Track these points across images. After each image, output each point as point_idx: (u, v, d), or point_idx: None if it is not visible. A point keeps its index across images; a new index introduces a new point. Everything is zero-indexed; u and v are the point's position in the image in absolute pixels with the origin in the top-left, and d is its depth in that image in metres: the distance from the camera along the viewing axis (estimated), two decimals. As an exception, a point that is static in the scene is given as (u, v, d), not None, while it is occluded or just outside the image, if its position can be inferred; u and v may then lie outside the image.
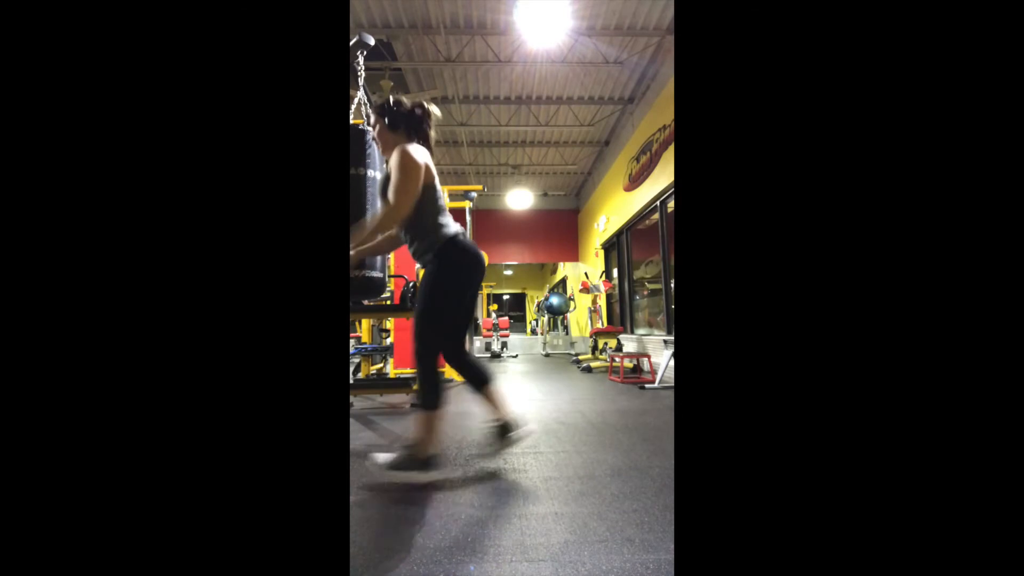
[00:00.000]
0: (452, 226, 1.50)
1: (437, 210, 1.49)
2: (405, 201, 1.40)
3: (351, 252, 1.45)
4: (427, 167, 1.45)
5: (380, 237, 1.49)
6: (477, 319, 8.26)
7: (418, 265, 1.56)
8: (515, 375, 5.09)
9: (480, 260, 1.52)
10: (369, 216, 2.01)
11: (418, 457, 1.43)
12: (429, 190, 1.47)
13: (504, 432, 1.60)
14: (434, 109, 1.56)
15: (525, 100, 5.85)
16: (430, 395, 1.43)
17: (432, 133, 1.56)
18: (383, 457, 1.45)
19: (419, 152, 1.44)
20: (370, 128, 1.58)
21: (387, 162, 1.49)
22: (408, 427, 2.27)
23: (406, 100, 1.55)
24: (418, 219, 1.47)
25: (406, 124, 1.52)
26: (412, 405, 2.93)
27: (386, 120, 1.53)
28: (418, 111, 1.54)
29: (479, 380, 1.58)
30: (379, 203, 1.54)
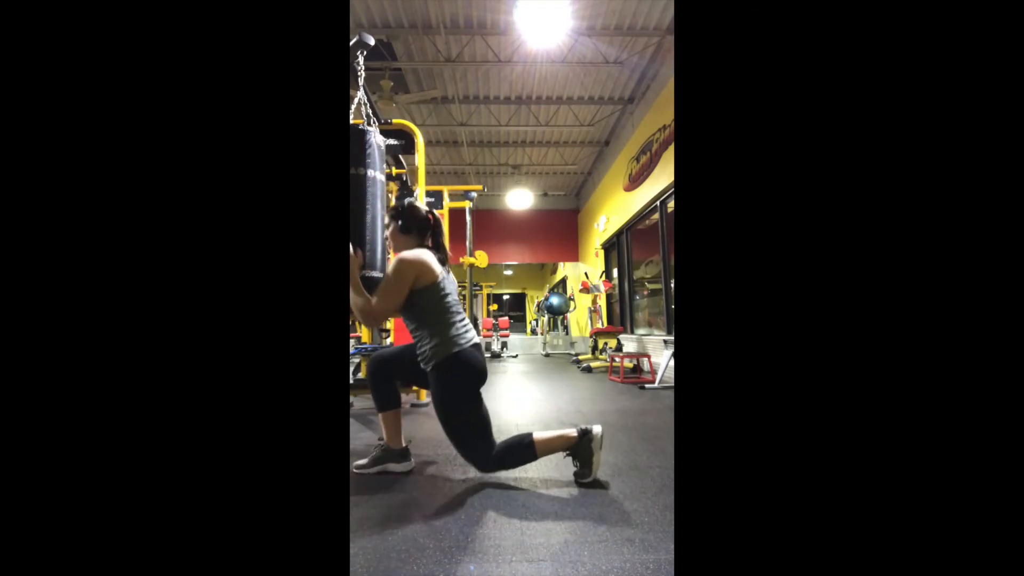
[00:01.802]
0: (462, 336, 1.45)
1: (445, 315, 1.45)
2: (382, 303, 1.40)
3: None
4: (429, 269, 1.44)
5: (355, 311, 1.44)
6: (477, 319, 8.26)
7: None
8: (515, 375, 5.09)
9: (481, 373, 1.46)
10: (368, 218, 2.01)
11: (392, 450, 1.58)
12: (432, 291, 1.44)
13: (583, 450, 1.44)
14: (440, 219, 1.60)
15: (525, 100, 5.85)
16: (383, 398, 1.57)
17: (445, 242, 1.59)
18: (361, 461, 1.60)
19: (420, 256, 1.44)
20: (385, 231, 1.59)
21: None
22: (408, 426, 2.27)
23: (421, 206, 1.57)
24: (423, 322, 1.45)
25: (419, 228, 1.55)
26: (412, 405, 2.94)
27: (399, 223, 1.55)
28: (431, 218, 1.57)
29: (529, 453, 1.44)
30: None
